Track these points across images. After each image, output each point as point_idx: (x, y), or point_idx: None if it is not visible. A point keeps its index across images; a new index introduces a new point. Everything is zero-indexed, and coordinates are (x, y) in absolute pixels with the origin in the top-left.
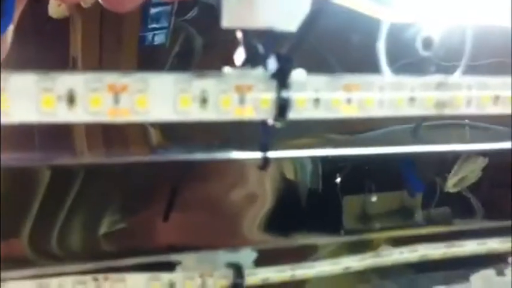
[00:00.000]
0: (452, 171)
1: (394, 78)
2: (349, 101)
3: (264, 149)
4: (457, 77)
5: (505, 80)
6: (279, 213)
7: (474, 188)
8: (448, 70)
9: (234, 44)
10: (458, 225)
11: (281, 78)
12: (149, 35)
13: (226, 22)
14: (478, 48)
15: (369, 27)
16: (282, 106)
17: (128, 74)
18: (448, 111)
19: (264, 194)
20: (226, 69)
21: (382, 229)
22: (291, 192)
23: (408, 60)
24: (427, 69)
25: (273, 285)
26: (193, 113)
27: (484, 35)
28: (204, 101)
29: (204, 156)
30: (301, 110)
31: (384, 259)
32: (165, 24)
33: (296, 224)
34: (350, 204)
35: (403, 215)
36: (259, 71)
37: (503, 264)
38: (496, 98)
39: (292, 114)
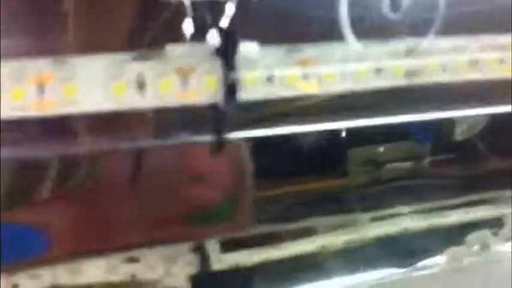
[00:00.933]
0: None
1: (357, 47)
2: (306, 76)
3: (217, 132)
4: (429, 40)
5: (483, 40)
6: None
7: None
8: (420, 32)
9: (173, 18)
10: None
11: (226, 55)
12: None
13: None
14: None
15: None
16: (230, 87)
17: (52, 61)
18: (419, 80)
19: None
20: (168, 48)
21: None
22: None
23: (374, 25)
24: (396, 33)
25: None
26: (130, 101)
27: None
28: (141, 86)
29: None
30: (253, 89)
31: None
32: None
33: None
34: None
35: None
36: (203, 47)
37: (499, 226)
38: (474, 63)
39: (244, 95)
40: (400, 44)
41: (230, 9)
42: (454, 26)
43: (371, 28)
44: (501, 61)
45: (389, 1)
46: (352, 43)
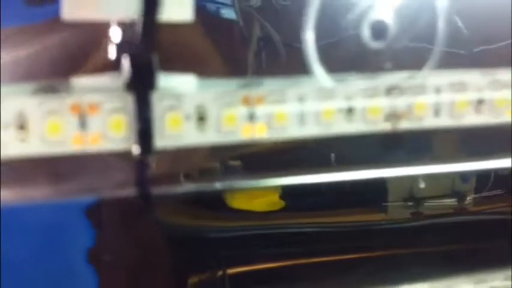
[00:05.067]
0: None
1: (328, 83)
2: (252, 117)
3: (142, 190)
4: (421, 76)
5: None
6: None
7: None
8: (411, 66)
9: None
10: None
11: (140, 89)
12: None
13: (67, 13)
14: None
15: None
16: (143, 130)
17: None
18: (405, 125)
19: None
20: (74, 81)
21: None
22: None
23: (350, 56)
24: (378, 67)
25: None
26: (7, 146)
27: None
28: (22, 127)
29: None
30: (179, 134)
31: None
32: None
33: None
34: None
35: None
36: (117, 79)
37: None
38: (479, 103)
39: (164, 141)
40: (382, 80)
41: (139, 27)
42: (454, 60)
43: (345, 59)
44: None
45: (370, 26)
46: (320, 77)
